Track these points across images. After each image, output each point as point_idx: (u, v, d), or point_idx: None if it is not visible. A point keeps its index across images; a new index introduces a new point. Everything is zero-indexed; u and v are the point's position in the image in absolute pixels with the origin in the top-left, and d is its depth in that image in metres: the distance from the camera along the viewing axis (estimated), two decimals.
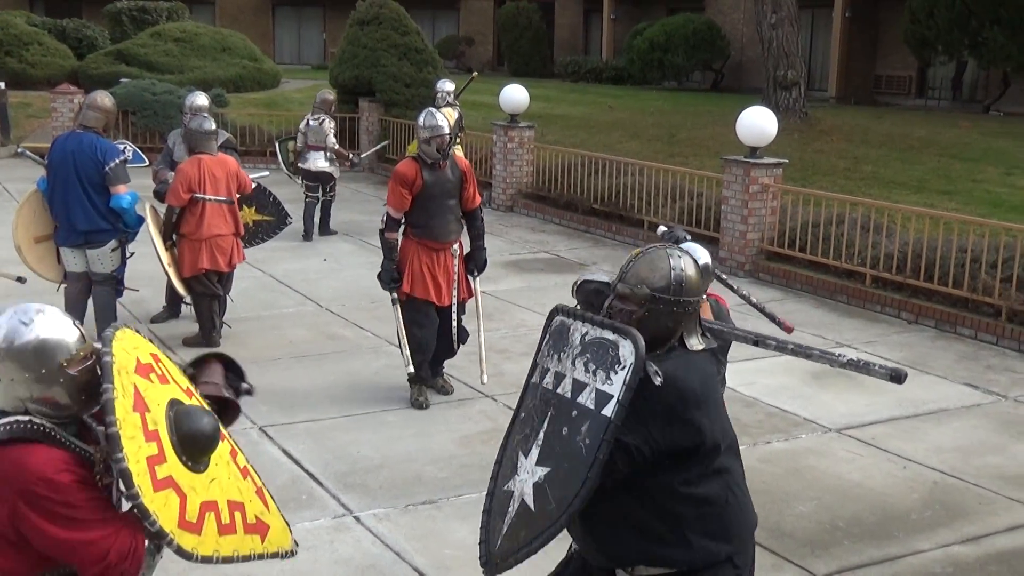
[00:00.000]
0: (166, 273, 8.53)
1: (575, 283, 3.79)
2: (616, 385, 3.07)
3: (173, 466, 2.93)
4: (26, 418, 2.90)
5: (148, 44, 24.89)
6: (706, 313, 3.86)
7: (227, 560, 3.06)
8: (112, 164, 7.81)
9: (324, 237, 12.99)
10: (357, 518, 5.69)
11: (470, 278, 7.57)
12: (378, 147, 16.77)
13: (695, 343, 3.28)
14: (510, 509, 3.28)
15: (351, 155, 14.00)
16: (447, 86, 13.38)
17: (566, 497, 3.08)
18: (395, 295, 7.32)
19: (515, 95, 15.19)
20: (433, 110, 7.41)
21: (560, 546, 4.60)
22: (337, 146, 13.19)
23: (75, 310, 7.90)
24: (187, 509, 2.93)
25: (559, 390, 3.23)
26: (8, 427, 2.88)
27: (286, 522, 3.45)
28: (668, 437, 3.11)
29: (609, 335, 3.15)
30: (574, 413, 3.15)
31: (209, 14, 38.05)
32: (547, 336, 3.37)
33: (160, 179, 9.27)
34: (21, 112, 20.65)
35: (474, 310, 7.68)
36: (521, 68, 35.87)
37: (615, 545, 3.23)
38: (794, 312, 9.97)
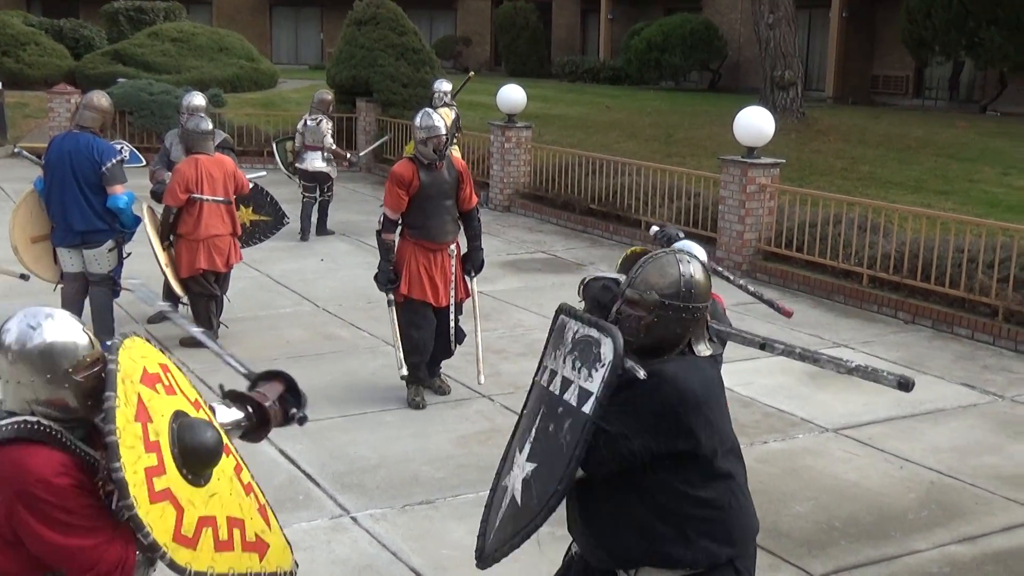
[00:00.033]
0: (163, 273, 8.52)
1: (582, 281, 3.78)
2: (596, 382, 3.10)
3: (172, 479, 2.91)
4: (34, 419, 2.90)
5: (145, 44, 24.89)
6: None
7: None
8: (109, 164, 7.80)
9: (321, 237, 12.99)
10: (354, 518, 5.69)
11: (467, 278, 7.57)
12: (377, 143, 16.76)
13: (703, 349, 3.29)
14: (503, 504, 3.36)
15: (348, 155, 14.00)
16: (444, 86, 13.38)
17: (546, 492, 3.12)
18: (391, 297, 7.32)
19: (512, 95, 15.19)
20: (429, 111, 7.40)
21: (557, 546, 4.61)
22: (334, 146, 13.20)
23: (71, 310, 7.84)
24: (183, 523, 2.90)
25: (551, 387, 3.27)
26: (13, 427, 2.88)
27: (287, 541, 3.42)
28: (665, 436, 3.12)
29: (594, 333, 3.17)
30: (560, 410, 3.19)
31: (206, 14, 38.04)
32: (550, 335, 3.39)
33: (157, 179, 9.27)
34: (18, 112, 20.64)
35: (471, 310, 7.68)
36: (518, 68, 35.88)
37: (617, 545, 3.23)
38: None
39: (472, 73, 14.60)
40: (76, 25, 28.21)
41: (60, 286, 8.27)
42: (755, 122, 11.21)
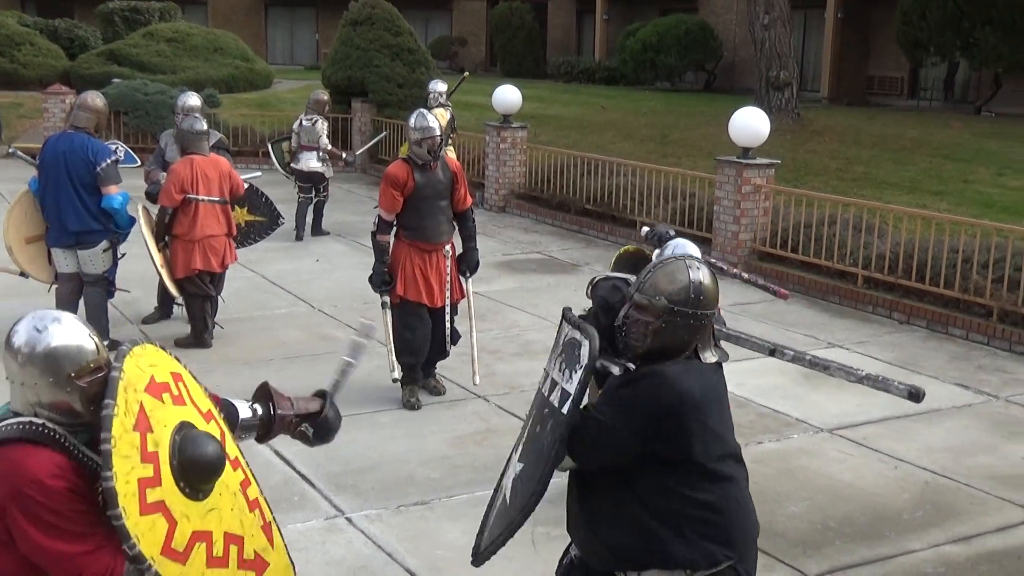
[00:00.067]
0: (159, 274, 8.51)
1: (591, 281, 3.79)
2: (574, 383, 3.16)
3: (168, 491, 2.87)
4: (39, 422, 2.89)
5: (140, 44, 24.85)
6: None
7: None
8: (103, 164, 7.80)
9: (316, 238, 12.98)
10: (349, 519, 5.68)
11: (462, 279, 7.57)
12: (374, 140, 16.73)
13: (709, 356, 3.29)
14: (497, 503, 3.43)
15: (344, 154, 13.99)
16: (439, 87, 13.38)
17: (527, 492, 3.19)
18: (385, 299, 7.32)
19: (508, 96, 15.19)
20: (424, 111, 7.40)
21: (552, 546, 4.61)
22: (330, 146, 13.19)
23: (66, 311, 7.87)
24: (175, 536, 2.86)
25: (543, 389, 3.35)
26: (15, 427, 2.88)
27: (291, 560, 3.38)
28: (658, 436, 3.13)
29: (577, 335, 3.24)
30: (546, 411, 3.27)
31: (201, 14, 37.99)
32: (554, 340, 3.45)
33: (152, 180, 9.25)
34: (13, 112, 20.60)
35: (466, 311, 7.68)
36: (514, 68, 35.88)
37: (617, 545, 3.23)
38: (786, 312, 9.98)
39: (467, 73, 14.60)
40: (71, 25, 28.17)
41: (54, 287, 8.26)
42: (750, 123, 11.22)
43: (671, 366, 3.18)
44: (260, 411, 3.48)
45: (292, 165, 13.17)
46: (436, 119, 7.38)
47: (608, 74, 32.87)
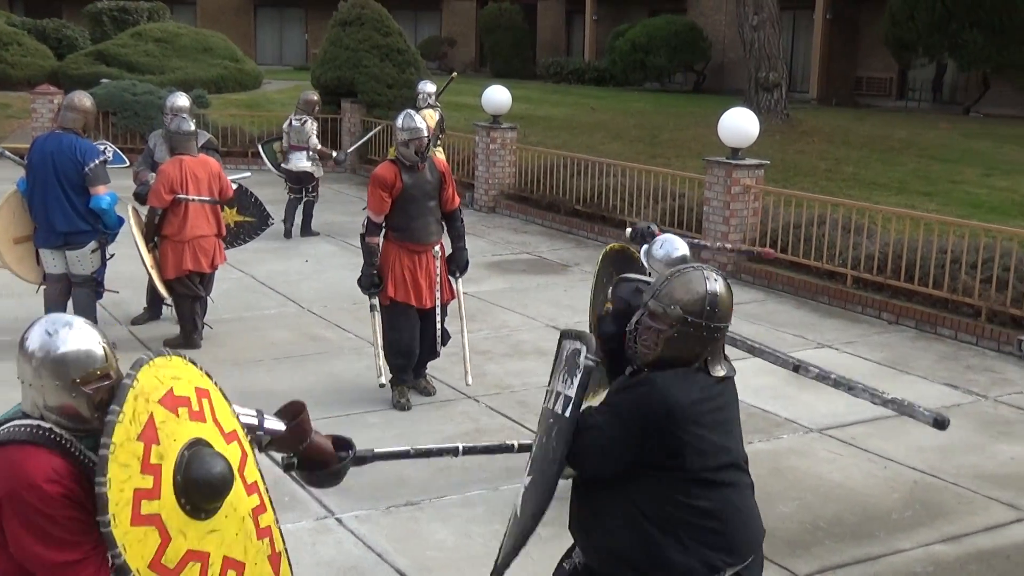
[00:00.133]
0: (149, 275, 8.49)
1: (612, 283, 3.78)
2: (574, 387, 3.20)
3: (166, 505, 2.84)
4: (48, 425, 2.88)
5: (129, 44, 24.79)
6: None
7: None
8: (92, 165, 7.77)
9: (306, 238, 12.96)
10: (339, 520, 5.67)
11: (452, 279, 7.57)
12: (368, 136, 16.69)
13: (718, 369, 3.26)
14: (510, 523, 3.47)
15: (334, 153, 13.97)
16: (428, 87, 13.39)
17: (535, 500, 3.22)
18: (374, 301, 7.31)
19: (497, 96, 15.19)
20: (412, 112, 7.39)
21: (545, 547, 4.61)
22: (320, 146, 13.18)
23: (54, 312, 7.85)
24: (166, 552, 2.82)
25: (547, 403, 3.38)
26: (19, 429, 2.87)
27: None
28: (648, 444, 3.12)
29: (576, 344, 3.30)
30: (551, 421, 3.30)
31: (190, 14, 37.93)
32: (554, 359, 3.49)
33: (141, 180, 9.22)
34: (1, 113, 20.53)
35: (456, 311, 7.68)
36: (503, 69, 35.88)
37: (618, 550, 3.22)
38: (775, 313, 10.01)
39: (455, 74, 14.60)
40: (59, 25, 28.10)
41: (43, 287, 8.23)
42: (739, 123, 11.24)
43: (665, 375, 3.17)
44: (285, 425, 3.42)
45: (283, 166, 13.17)
46: (423, 120, 7.38)
47: (597, 75, 32.90)
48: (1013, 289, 9.04)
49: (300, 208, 13.07)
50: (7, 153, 9.26)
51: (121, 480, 2.74)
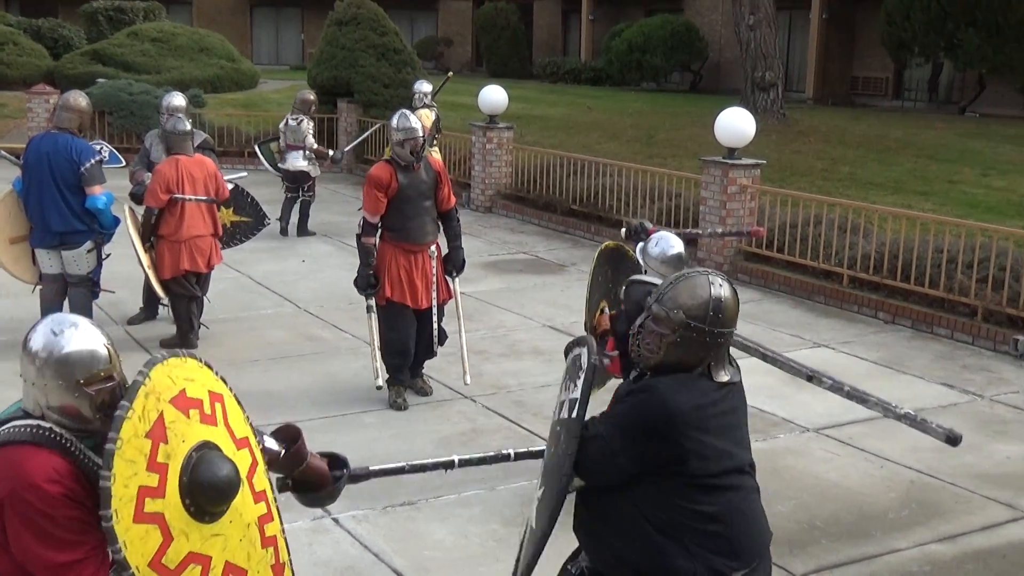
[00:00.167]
0: (146, 275, 8.48)
1: (624, 285, 3.79)
2: (579, 388, 3.21)
3: (170, 505, 2.82)
4: (47, 425, 2.88)
5: (125, 44, 24.77)
6: None
7: None
8: (87, 164, 7.76)
9: (302, 238, 12.96)
10: (336, 520, 5.67)
11: (449, 279, 7.56)
12: (365, 135, 16.68)
13: (722, 375, 3.23)
14: (525, 536, 3.49)
15: (331, 152, 13.96)
16: (424, 87, 13.38)
17: (548, 507, 3.22)
18: (370, 302, 7.30)
19: (494, 96, 15.19)
20: (407, 112, 7.39)
21: (547, 548, 4.60)
22: (316, 146, 13.18)
23: (50, 312, 7.85)
24: (168, 552, 2.80)
25: (555, 416, 3.40)
26: (20, 430, 2.87)
27: None
28: (650, 450, 3.11)
29: (577, 350, 3.34)
30: (559, 429, 3.31)
31: (186, 14, 37.90)
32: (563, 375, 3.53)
33: (137, 180, 9.22)
34: None
35: (454, 311, 7.67)
36: (500, 69, 35.90)
37: (622, 556, 3.21)
38: (772, 312, 10.02)
39: (451, 73, 14.57)
40: (55, 25, 28.07)
41: (39, 288, 8.22)
42: (736, 123, 11.24)
43: (666, 380, 3.16)
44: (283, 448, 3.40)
45: (280, 165, 13.17)
46: (418, 119, 7.37)
47: (594, 74, 32.91)
48: (1009, 289, 9.05)
49: (296, 207, 13.07)
50: (3, 153, 9.25)
51: (126, 476, 2.73)
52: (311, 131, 13.08)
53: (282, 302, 10.00)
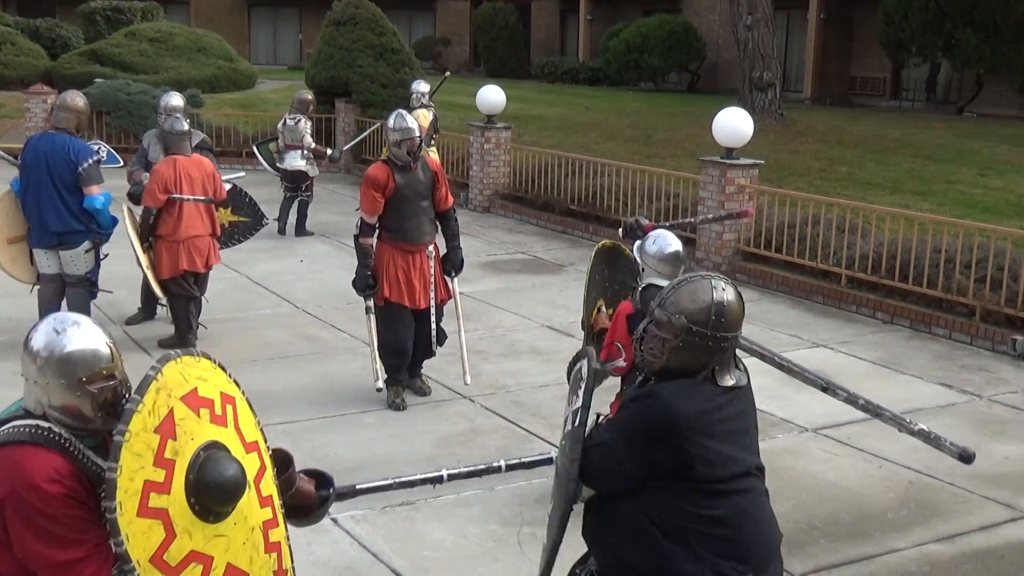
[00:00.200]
0: (144, 275, 8.47)
1: (640, 288, 3.79)
2: (582, 397, 3.22)
3: (175, 501, 2.81)
4: (46, 425, 2.88)
5: (122, 44, 24.76)
6: None
7: None
8: (85, 164, 7.76)
9: (301, 238, 12.96)
10: (335, 520, 5.66)
11: (447, 279, 7.56)
12: (363, 135, 16.68)
13: (727, 379, 3.21)
14: (543, 546, 3.50)
15: (329, 151, 13.96)
16: (422, 87, 13.37)
17: (556, 515, 3.26)
18: (369, 303, 7.30)
19: (492, 96, 15.18)
20: (403, 112, 7.37)
21: (538, 547, 4.60)
22: (314, 145, 13.18)
23: (48, 312, 7.83)
24: (170, 549, 2.79)
25: (563, 428, 3.43)
26: (20, 430, 2.86)
27: None
28: (655, 456, 3.11)
29: (579, 363, 3.38)
30: (564, 442, 3.32)
31: (184, 14, 37.87)
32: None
33: (135, 180, 9.21)
34: None
35: (453, 311, 7.67)
36: (498, 69, 35.89)
37: (630, 561, 3.20)
38: (770, 312, 10.02)
39: (448, 73, 14.58)
40: (52, 25, 28.05)
41: (36, 288, 8.21)
42: (734, 123, 11.24)
43: (669, 386, 3.14)
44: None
45: (279, 165, 13.17)
46: (415, 119, 7.36)
47: (592, 75, 32.90)
48: (1007, 289, 9.06)
49: (295, 207, 13.07)
50: (1, 153, 9.23)
51: (132, 469, 2.73)
52: (309, 130, 13.08)
53: (280, 302, 9.99)
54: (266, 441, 3.23)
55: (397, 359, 7.31)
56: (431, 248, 7.35)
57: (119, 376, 2.94)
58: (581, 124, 21.22)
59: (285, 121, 13.11)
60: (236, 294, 10.16)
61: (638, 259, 5.57)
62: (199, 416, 2.92)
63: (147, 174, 8.73)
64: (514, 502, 5.82)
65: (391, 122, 7.25)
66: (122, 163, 10.42)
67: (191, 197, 8.23)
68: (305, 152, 13.01)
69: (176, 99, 9.57)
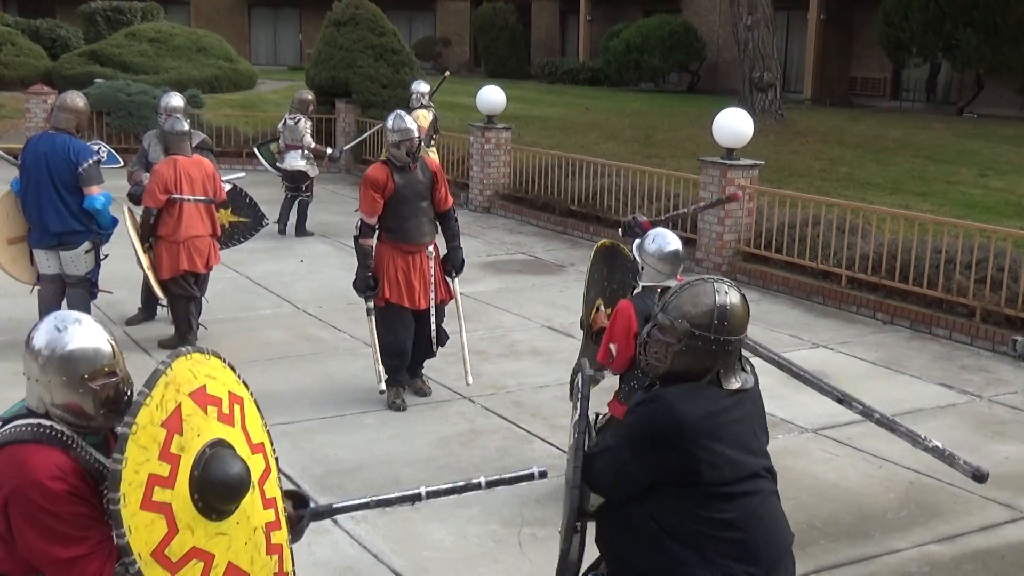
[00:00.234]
0: (145, 275, 8.47)
1: (658, 292, 3.81)
2: (580, 407, 3.28)
3: (179, 497, 2.82)
4: (48, 423, 2.88)
5: (123, 44, 24.76)
6: None
7: None
8: (85, 165, 7.76)
9: (301, 238, 12.96)
10: (335, 520, 5.66)
11: (448, 280, 7.55)
12: (363, 136, 16.68)
13: (732, 382, 3.20)
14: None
15: (329, 150, 13.95)
16: (422, 87, 13.37)
17: (564, 523, 3.28)
18: (370, 304, 7.29)
19: (492, 96, 15.18)
20: (402, 113, 7.37)
21: (538, 547, 4.61)
22: (314, 144, 13.18)
23: (49, 312, 7.83)
24: (172, 544, 2.80)
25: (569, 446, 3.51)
26: (23, 429, 2.87)
27: None
28: (662, 460, 3.10)
29: (577, 377, 3.47)
30: (568, 457, 3.39)
31: (184, 14, 37.88)
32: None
33: (135, 180, 9.21)
34: None
35: (454, 311, 7.66)
36: (498, 69, 35.90)
37: (641, 566, 3.20)
38: (770, 313, 10.02)
39: (448, 74, 14.58)
40: (52, 25, 28.05)
41: (37, 288, 8.21)
42: (734, 124, 11.24)
43: (674, 390, 3.14)
44: None
45: (279, 165, 13.17)
46: (414, 120, 7.36)
47: (592, 75, 32.91)
48: (1007, 289, 9.06)
49: (295, 207, 13.07)
50: (1, 153, 9.23)
51: (138, 462, 2.73)
52: (309, 130, 13.08)
53: (280, 302, 9.99)
54: (272, 444, 3.24)
55: (397, 360, 7.31)
56: (431, 249, 7.35)
57: (120, 373, 2.95)
58: (581, 124, 21.22)
59: (285, 121, 13.12)
60: (236, 294, 10.16)
61: (637, 258, 5.56)
62: (206, 413, 2.93)
63: (147, 174, 8.73)
64: (514, 502, 5.82)
65: (390, 123, 7.25)
66: (122, 163, 10.43)
67: (191, 197, 8.23)
68: (305, 152, 13.01)
69: (176, 99, 9.57)
